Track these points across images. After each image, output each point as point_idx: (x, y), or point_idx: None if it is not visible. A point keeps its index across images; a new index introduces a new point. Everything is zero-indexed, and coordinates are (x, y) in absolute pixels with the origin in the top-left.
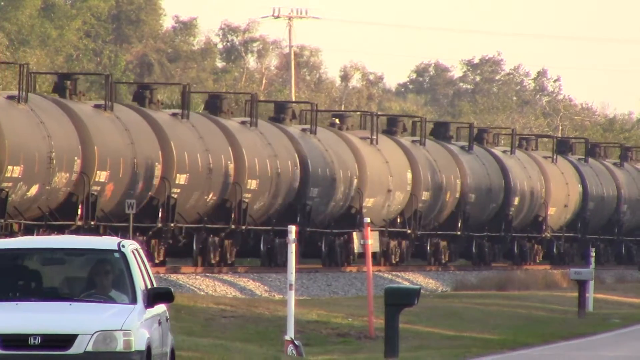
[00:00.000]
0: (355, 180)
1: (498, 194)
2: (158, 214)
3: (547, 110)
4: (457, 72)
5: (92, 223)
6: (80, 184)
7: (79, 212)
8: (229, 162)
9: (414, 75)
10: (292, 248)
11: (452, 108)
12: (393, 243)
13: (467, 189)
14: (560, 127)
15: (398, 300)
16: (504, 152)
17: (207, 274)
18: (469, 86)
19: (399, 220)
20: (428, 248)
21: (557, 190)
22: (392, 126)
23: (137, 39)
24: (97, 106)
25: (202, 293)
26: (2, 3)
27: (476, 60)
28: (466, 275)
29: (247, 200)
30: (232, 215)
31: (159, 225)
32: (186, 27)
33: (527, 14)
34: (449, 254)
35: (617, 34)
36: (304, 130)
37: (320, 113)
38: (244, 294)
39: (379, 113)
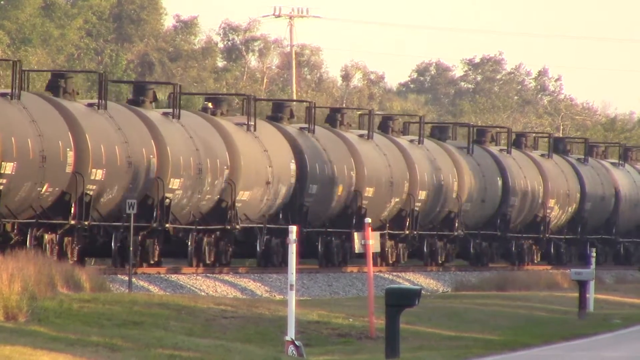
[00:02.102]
0: (227, 171)
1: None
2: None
3: (548, 109)
4: (458, 72)
5: None
6: None
7: None
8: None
9: (415, 75)
10: (293, 248)
11: (453, 107)
12: (275, 241)
13: (363, 181)
14: (561, 127)
15: (399, 301)
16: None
17: (208, 275)
18: (470, 86)
19: (281, 215)
20: (319, 247)
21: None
22: (278, 112)
23: (138, 38)
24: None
25: (203, 293)
26: (2, 2)
27: (477, 60)
28: (466, 275)
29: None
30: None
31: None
32: (187, 27)
33: (528, 14)
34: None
35: (618, 34)
36: (166, 114)
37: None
38: (245, 295)
39: (259, 97)
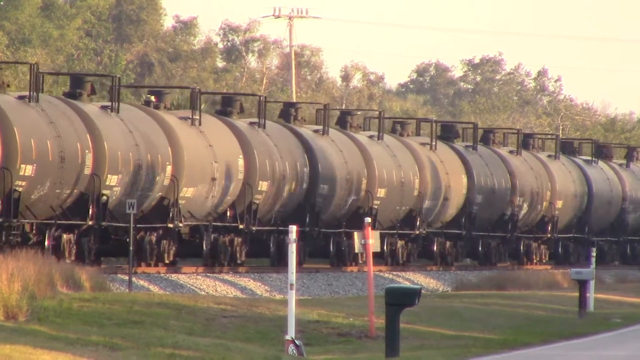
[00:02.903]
0: (169, 167)
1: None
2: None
3: (547, 110)
4: (457, 72)
5: None
6: None
7: None
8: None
9: (415, 75)
10: (293, 248)
11: (452, 108)
12: (223, 240)
13: (318, 177)
14: (561, 127)
15: (399, 300)
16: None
17: (208, 274)
18: (469, 86)
19: (228, 213)
20: (271, 245)
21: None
22: (227, 106)
23: (137, 39)
24: None
25: (203, 293)
26: (2, 3)
27: (477, 60)
28: (467, 275)
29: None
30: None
31: None
32: (187, 27)
33: (527, 14)
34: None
35: (618, 34)
36: (104, 108)
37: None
38: (245, 294)
39: (203, 90)
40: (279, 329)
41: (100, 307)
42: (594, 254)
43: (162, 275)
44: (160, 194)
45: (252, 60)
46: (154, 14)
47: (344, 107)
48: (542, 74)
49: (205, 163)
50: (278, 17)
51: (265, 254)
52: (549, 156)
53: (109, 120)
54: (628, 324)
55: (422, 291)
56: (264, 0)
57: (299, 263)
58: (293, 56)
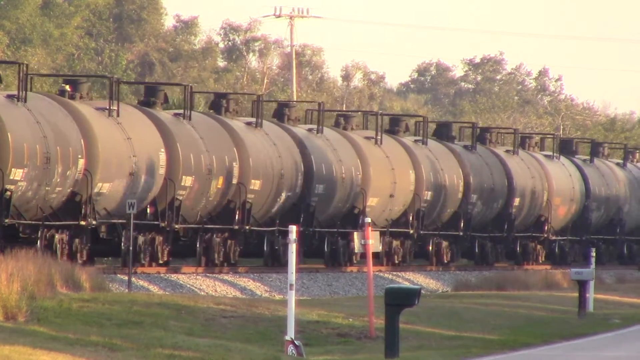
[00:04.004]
0: (81, 161)
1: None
2: None
3: (548, 109)
4: (458, 72)
5: None
6: None
7: None
8: None
9: (416, 75)
10: (293, 248)
11: (453, 107)
12: (142, 239)
13: (248, 172)
14: (561, 127)
15: (398, 301)
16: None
17: (208, 274)
18: (470, 86)
19: (149, 210)
20: (197, 244)
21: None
22: (150, 96)
23: (138, 38)
24: None
25: (202, 293)
26: (2, 2)
27: (477, 60)
28: (466, 275)
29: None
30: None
31: None
32: (187, 27)
33: (528, 14)
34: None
35: (619, 34)
36: (10, 97)
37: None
38: (244, 294)
39: (124, 80)
40: (278, 329)
41: (100, 307)
42: (593, 254)
43: (161, 275)
44: (71, 189)
45: (253, 60)
46: (154, 13)
47: (344, 107)
48: (542, 73)
49: (123, 157)
50: (279, 16)
51: (191, 254)
52: (507, 151)
53: (14, 110)
54: (627, 325)
55: (422, 291)
56: None
57: (232, 262)
58: (294, 56)
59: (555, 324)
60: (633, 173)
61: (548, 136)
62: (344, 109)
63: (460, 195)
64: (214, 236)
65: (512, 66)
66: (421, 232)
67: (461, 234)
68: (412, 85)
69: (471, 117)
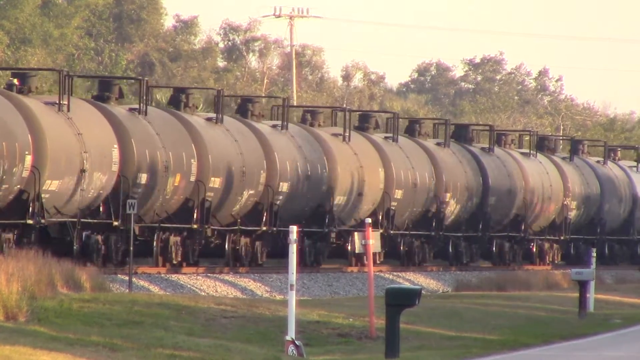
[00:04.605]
0: (29, 157)
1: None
2: None
3: (548, 110)
4: (458, 72)
5: None
6: None
7: None
8: None
9: (416, 75)
10: (293, 248)
11: (453, 107)
12: (95, 238)
13: (208, 170)
14: (561, 127)
15: (399, 301)
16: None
17: (208, 275)
18: (470, 86)
19: (101, 209)
20: (154, 244)
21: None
22: (104, 91)
23: (138, 38)
24: None
25: (203, 293)
26: (1, 2)
27: (477, 60)
28: (467, 275)
29: None
30: None
31: None
32: (187, 27)
33: (528, 14)
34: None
35: (619, 34)
36: None
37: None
38: (245, 295)
39: (73, 74)
40: (279, 329)
41: (101, 307)
42: (594, 254)
43: (162, 275)
44: (18, 186)
45: (252, 60)
46: (154, 13)
47: (344, 106)
48: (543, 73)
49: (73, 153)
50: (279, 16)
51: (148, 254)
52: (482, 149)
53: None
54: (628, 325)
55: (422, 292)
56: None
57: (191, 263)
58: (294, 56)
59: (555, 324)
60: (614, 171)
61: (525, 133)
62: (308, 105)
63: (432, 193)
64: (172, 236)
65: (512, 66)
66: (391, 231)
67: (433, 233)
68: (412, 86)
69: (471, 117)
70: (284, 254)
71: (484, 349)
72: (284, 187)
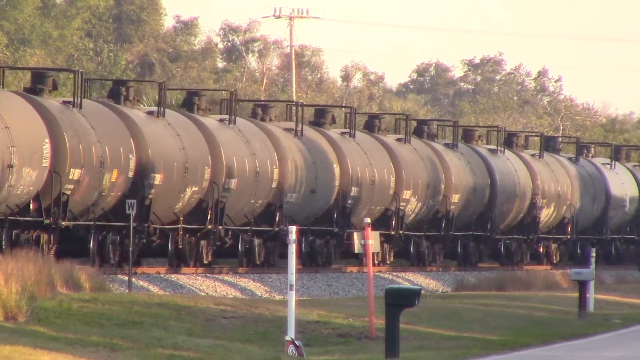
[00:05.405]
0: None
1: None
2: None
3: (548, 110)
4: (457, 72)
5: None
6: None
7: None
8: None
9: (415, 75)
10: (292, 248)
11: (452, 108)
12: (25, 237)
13: (148, 165)
14: (561, 127)
15: (399, 301)
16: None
17: (208, 275)
18: (469, 86)
19: (32, 206)
20: (91, 244)
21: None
22: (37, 83)
23: (138, 39)
24: None
25: (203, 293)
26: (1, 2)
27: (477, 60)
28: (466, 275)
29: None
30: None
31: None
32: (187, 27)
33: (528, 14)
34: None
35: (619, 34)
36: None
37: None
38: (245, 295)
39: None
40: (278, 329)
41: (100, 307)
42: (593, 254)
43: (162, 275)
44: None
45: (252, 61)
46: (154, 14)
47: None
48: (542, 74)
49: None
50: (278, 17)
51: (82, 254)
52: (446, 145)
53: None
54: (628, 325)
55: (422, 292)
56: (264, 0)
57: (134, 262)
58: (293, 56)
59: (555, 324)
60: (586, 168)
61: (493, 129)
62: (260, 99)
63: (391, 191)
64: (110, 234)
65: (512, 66)
66: (347, 230)
67: (393, 232)
68: (411, 86)
69: (471, 118)
70: (230, 254)
71: (484, 349)
72: (231, 183)
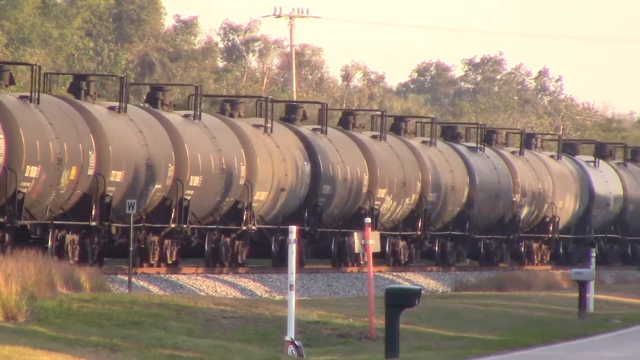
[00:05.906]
0: None
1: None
2: None
3: (548, 109)
4: (458, 72)
5: None
6: None
7: None
8: None
9: (415, 75)
10: (293, 248)
11: (453, 107)
12: None
13: (108, 162)
14: (561, 127)
15: (399, 301)
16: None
17: (208, 275)
18: (470, 86)
19: None
20: (49, 243)
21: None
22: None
23: (138, 38)
24: None
25: (203, 294)
26: (1, 2)
27: (477, 60)
28: (466, 275)
29: None
30: None
31: None
32: (187, 27)
33: (528, 14)
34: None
35: (619, 34)
36: None
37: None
38: (245, 295)
39: None
40: (278, 329)
41: (100, 307)
42: (593, 254)
43: (162, 275)
44: None
45: (252, 60)
46: (154, 13)
47: (344, 107)
48: (542, 73)
49: None
50: (279, 16)
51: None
52: (423, 142)
53: None
54: (628, 325)
55: (422, 292)
56: None
57: (92, 262)
58: (294, 56)
59: (555, 325)
60: (569, 166)
61: (472, 126)
62: (227, 95)
63: (365, 189)
64: (69, 234)
65: (512, 66)
66: (319, 229)
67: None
68: (412, 85)
69: (471, 117)
70: (196, 254)
71: (484, 349)
72: (195, 181)
